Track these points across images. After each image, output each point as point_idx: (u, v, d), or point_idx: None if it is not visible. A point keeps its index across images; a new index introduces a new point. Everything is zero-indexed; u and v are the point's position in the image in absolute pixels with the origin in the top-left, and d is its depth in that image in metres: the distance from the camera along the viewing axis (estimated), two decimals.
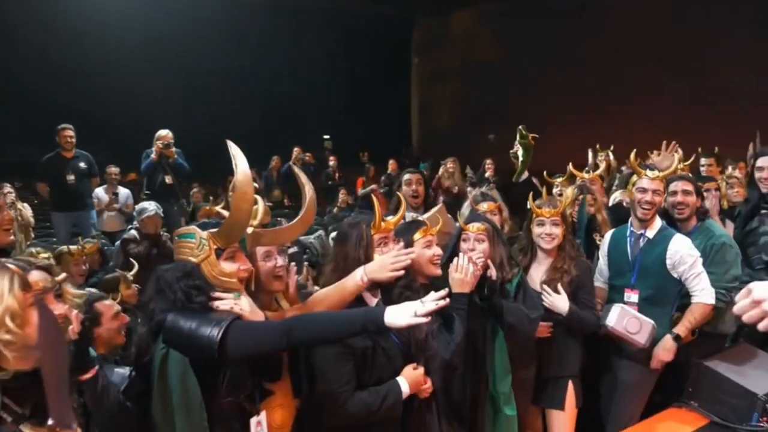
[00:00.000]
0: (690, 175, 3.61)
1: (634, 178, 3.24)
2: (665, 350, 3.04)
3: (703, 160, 5.06)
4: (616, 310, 2.90)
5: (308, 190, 1.95)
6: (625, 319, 2.87)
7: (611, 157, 5.79)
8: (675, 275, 3.07)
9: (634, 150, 3.32)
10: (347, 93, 16.93)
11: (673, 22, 11.77)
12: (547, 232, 2.87)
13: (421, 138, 19.51)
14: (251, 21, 14.34)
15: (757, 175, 3.59)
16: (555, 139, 13.41)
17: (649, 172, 3.14)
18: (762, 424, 2.89)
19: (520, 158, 3.57)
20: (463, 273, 2.38)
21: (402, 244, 2.26)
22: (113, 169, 6.96)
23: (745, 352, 3.26)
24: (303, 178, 2.06)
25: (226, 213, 1.96)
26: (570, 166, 4.66)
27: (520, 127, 3.59)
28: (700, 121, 10.68)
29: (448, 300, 1.76)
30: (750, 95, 10.24)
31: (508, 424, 2.55)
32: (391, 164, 9.73)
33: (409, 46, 19.55)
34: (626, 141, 5.78)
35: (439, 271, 2.46)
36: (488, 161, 7.92)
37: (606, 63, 13.14)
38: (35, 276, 1.46)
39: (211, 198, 5.28)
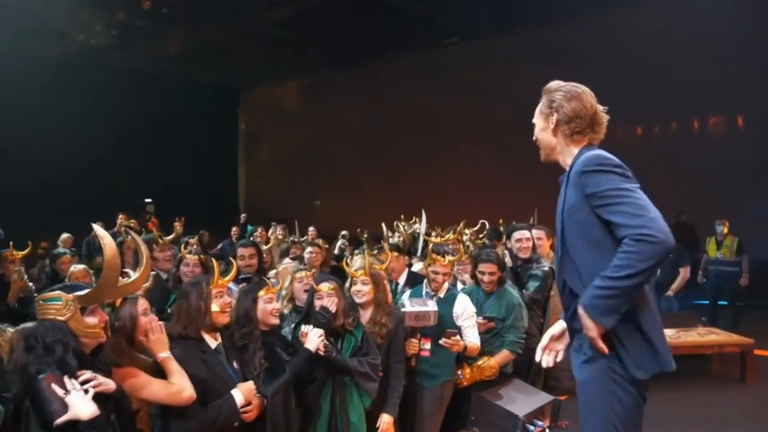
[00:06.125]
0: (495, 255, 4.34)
1: (429, 260, 4.01)
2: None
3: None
4: (407, 300, 3.71)
5: (144, 250, 2.38)
6: (414, 302, 3.65)
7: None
8: (458, 323, 3.86)
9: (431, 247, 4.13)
10: (173, 157, 16.93)
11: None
12: (357, 288, 3.49)
13: (249, 202, 19.86)
14: (70, 83, 13.93)
15: (517, 245, 4.60)
16: (368, 202, 14.77)
17: (440, 258, 3.93)
18: None
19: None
20: (316, 336, 3.00)
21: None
22: None
23: (514, 384, 4.16)
24: (138, 240, 2.54)
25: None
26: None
27: None
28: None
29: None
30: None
31: None
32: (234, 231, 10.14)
33: (237, 112, 20.08)
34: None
35: (277, 321, 3.08)
36: (311, 229, 8.62)
37: (411, 139, 14.81)
38: None
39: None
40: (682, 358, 5.96)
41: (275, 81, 18.50)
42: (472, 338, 3.82)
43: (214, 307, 2.67)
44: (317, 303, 3.22)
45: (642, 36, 10.93)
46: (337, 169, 16.76)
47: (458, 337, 3.68)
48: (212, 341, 2.71)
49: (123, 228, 9.10)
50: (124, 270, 2.58)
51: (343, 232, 8.31)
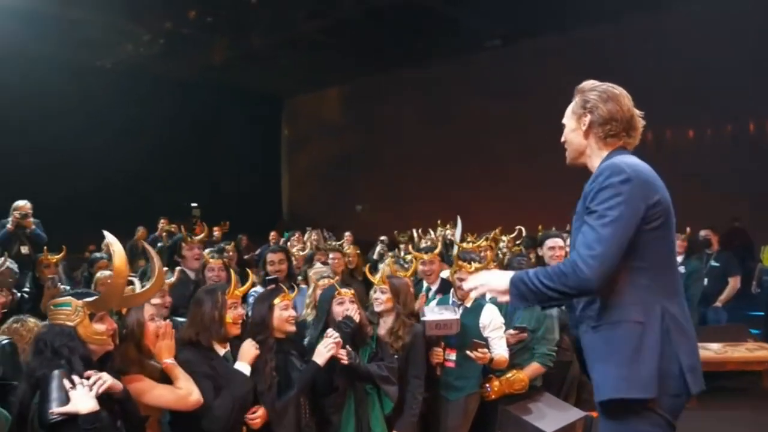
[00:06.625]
0: (527, 263, 4.27)
1: (455, 267, 3.92)
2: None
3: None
4: (428, 308, 3.57)
5: (157, 261, 2.40)
6: (436, 310, 3.53)
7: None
8: (485, 334, 3.74)
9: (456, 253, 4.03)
10: (218, 163, 17.30)
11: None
12: (375, 296, 3.46)
13: (291, 207, 20.08)
14: (119, 92, 14.40)
15: (549, 253, 4.45)
16: (409, 207, 14.68)
17: (466, 265, 3.81)
18: None
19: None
20: (326, 349, 2.91)
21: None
22: None
23: (543, 398, 4.00)
24: (151, 252, 2.56)
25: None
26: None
27: None
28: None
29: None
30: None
31: None
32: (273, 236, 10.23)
33: (280, 119, 20.34)
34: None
35: (293, 329, 3.00)
36: (347, 234, 8.60)
37: (451, 144, 14.67)
38: None
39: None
40: (729, 374, 5.67)
41: (318, 88, 18.64)
42: (500, 350, 3.67)
43: (227, 317, 2.66)
44: (339, 309, 3.18)
45: (693, 36, 10.50)
46: (378, 175, 16.75)
47: (486, 348, 3.57)
48: (221, 349, 2.70)
49: (164, 233, 9.33)
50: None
51: (382, 238, 8.25)
